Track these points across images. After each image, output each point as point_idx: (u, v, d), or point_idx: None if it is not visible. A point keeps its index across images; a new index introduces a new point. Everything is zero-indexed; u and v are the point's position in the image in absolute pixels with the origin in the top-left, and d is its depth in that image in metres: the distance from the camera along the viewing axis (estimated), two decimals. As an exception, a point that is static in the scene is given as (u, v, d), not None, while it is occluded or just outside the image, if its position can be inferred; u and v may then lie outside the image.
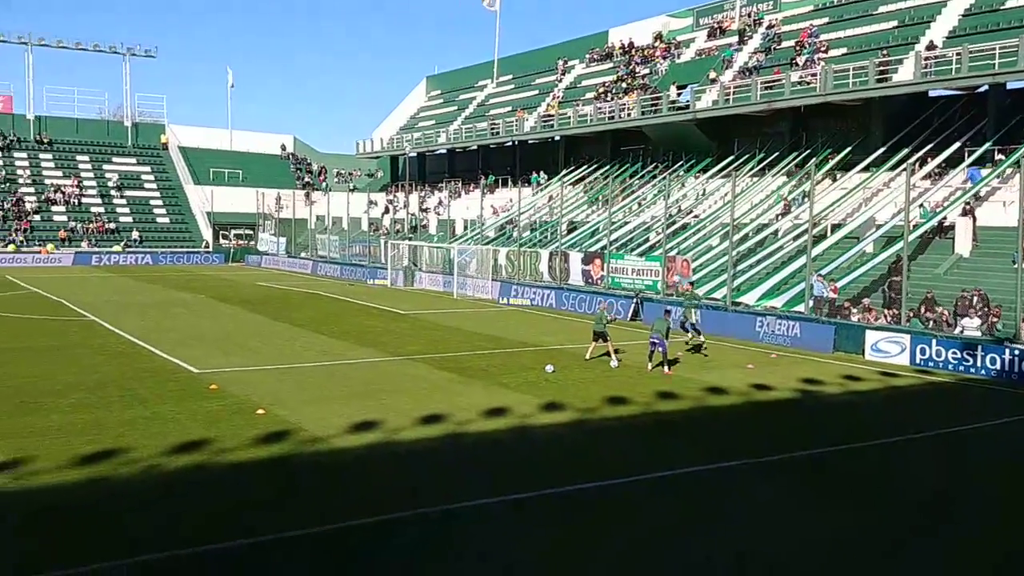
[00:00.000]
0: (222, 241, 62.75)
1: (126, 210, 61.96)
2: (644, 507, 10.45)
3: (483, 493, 10.47)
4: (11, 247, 53.78)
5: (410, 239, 47.22)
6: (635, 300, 28.75)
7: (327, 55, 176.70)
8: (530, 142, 52.64)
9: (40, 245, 54.77)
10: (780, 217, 31.99)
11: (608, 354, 19.63)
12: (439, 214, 53.73)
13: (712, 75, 39.96)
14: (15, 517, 9.32)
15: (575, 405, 15.27)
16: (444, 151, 61.09)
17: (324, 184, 70.01)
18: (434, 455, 12.21)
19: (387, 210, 58.87)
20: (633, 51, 50.49)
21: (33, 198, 59.38)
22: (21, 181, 60.69)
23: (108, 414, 13.69)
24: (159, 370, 17.65)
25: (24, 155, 63.12)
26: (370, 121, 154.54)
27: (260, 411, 14.08)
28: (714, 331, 24.22)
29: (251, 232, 63.36)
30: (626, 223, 37.50)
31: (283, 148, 75.55)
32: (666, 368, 18.72)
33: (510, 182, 52.42)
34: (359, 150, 68.29)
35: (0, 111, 64.28)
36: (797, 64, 36.30)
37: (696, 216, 35.83)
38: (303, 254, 55.51)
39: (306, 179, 71.54)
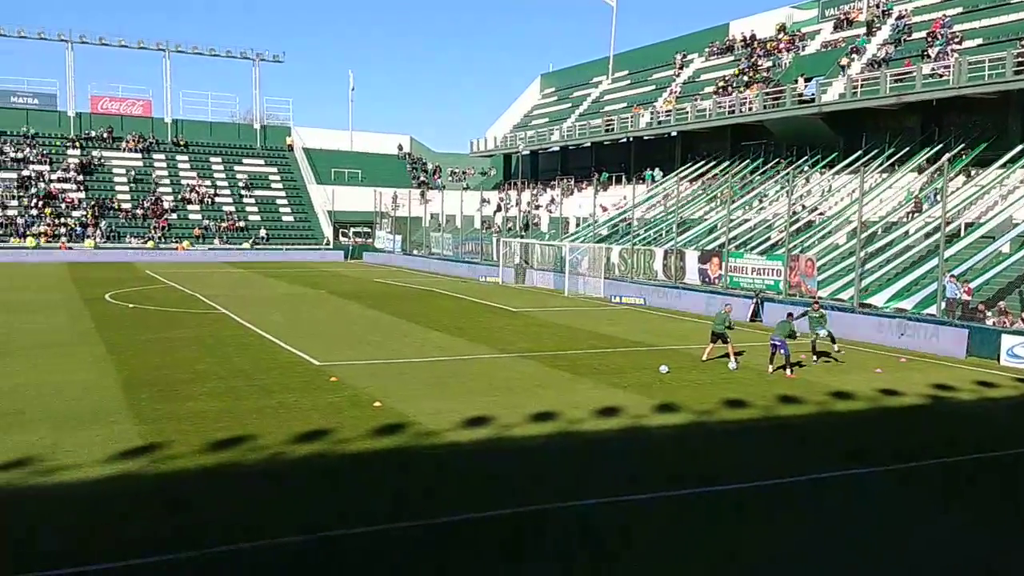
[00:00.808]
0: (342, 238, 64.85)
1: (254, 209, 64.92)
2: (762, 514, 10.10)
3: (593, 493, 10.37)
4: (150, 244, 57.29)
5: (522, 237, 47.47)
6: (755, 300, 27.92)
7: (444, 57, 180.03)
8: (645, 138, 52.01)
9: (176, 242, 58.11)
10: (911, 215, 30.40)
11: (727, 356, 19.12)
12: (551, 212, 53.81)
13: (844, 61, 38.39)
14: (155, 499, 9.87)
15: (691, 407, 14.94)
16: (557, 149, 61.15)
17: (438, 183, 71.33)
18: (545, 452, 12.19)
19: (499, 208, 59.41)
20: (755, 44, 49.12)
21: (170, 198, 63.01)
22: (159, 182, 64.51)
23: (238, 402, 14.33)
24: (284, 362, 18.36)
25: (162, 157, 67.05)
26: (484, 120, 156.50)
27: (377, 404, 14.43)
28: (840, 334, 23.15)
29: (369, 230, 65.19)
30: (746, 220, 36.49)
31: (400, 148, 77.41)
32: (788, 371, 18.08)
33: (624, 179, 51.94)
34: (473, 149, 69.21)
35: (140, 115, 68.50)
36: (929, 56, 34.40)
37: (821, 214, 34.51)
38: (416, 251, 56.67)
39: (421, 178, 73.05)
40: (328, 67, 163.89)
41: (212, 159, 68.45)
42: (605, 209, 47.02)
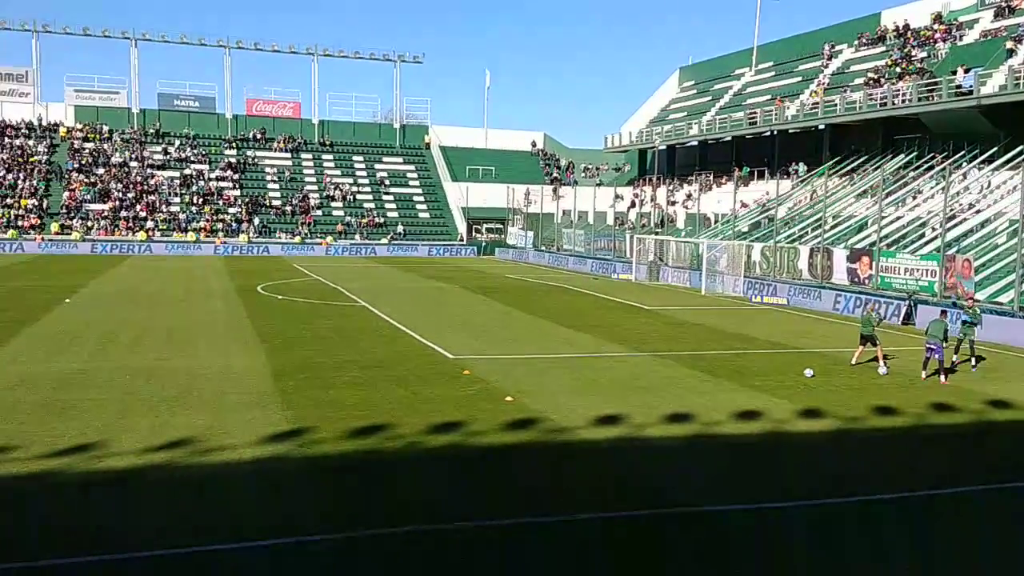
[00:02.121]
0: (475, 235, 65.89)
1: (392, 206, 66.96)
2: (908, 528, 9.44)
3: (731, 498, 10.03)
4: (297, 239, 60.13)
5: (657, 233, 46.68)
6: (908, 302, 26.32)
7: (579, 53, 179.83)
8: (790, 132, 50.09)
9: (321, 237, 60.73)
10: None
11: (876, 360, 18.07)
12: (688, 208, 52.65)
13: (1009, 44, 35.62)
14: (302, 479, 10.28)
15: (837, 413, 14.19)
16: (695, 143, 59.81)
17: (571, 179, 71.25)
18: (681, 454, 11.89)
19: (633, 204, 58.69)
20: (908, 34, 46.46)
21: (316, 195, 65.91)
22: (307, 180, 67.60)
23: (376, 392, 14.75)
24: (419, 354, 18.77)
25: (309, 156, 70.22)
26: (619, 116, 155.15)
27: (508, 398, 14.49)
28: (1000, 339, 21.58)
29: (501, 226, 65.92)
30: (898, 218, 34.45)
31: (533, 145, 77.84)
32: (942, 378, 16.90)
33: (767, 174, 50.20)
34: (607, 144, 68.70)
35: (290, 116, 71.98)
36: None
37: (979, 211, 32.13)
38: (548, 248, 56.79)
39: (554, 174, 73.19)
40: (465, 66, 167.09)
41: (355, 158, 71.08)
42: (746, 205, 45.56)
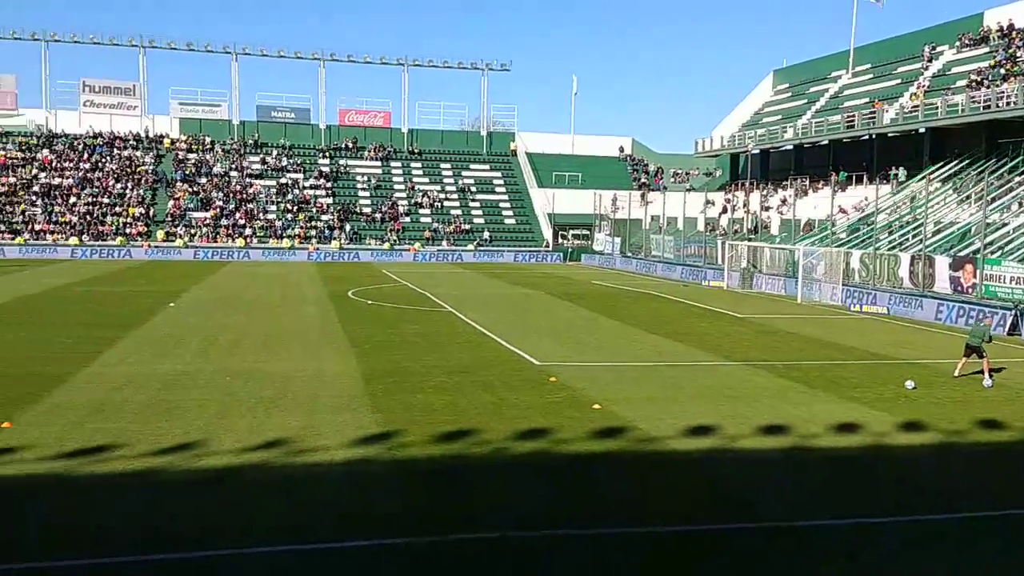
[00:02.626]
0: (561, 241, 65.78)
1: (479, 212, 67.55)
2: (1018, 547, 8.91)
3: (825, 513, 9.69)
4: (386, 245, 61.30)
5: (750, 240, 45.63)
6: (1014, 312, 24.98)
7: (669, 57, 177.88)
8: (889, 135, 48.30)
9: (409, 244, 61.75)
10: None
11: (981, 372, 17.18)
12: (782, 214, 51.30)
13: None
14: (391, 482, 10.43)
15: (939, 427, 13.54)
16: (790, 147, 58.31)
17: (660, 184, 70.43)
18: (774, 467, 11.54)
19: (725, 210, 57.56)
20: (1014, 34, 44.25)
21: (405, 202, 67.08)
22: (395, 187, 68.90)
23: (463, 397, 14.85)
24: (505, 360, 18.82)
25: (399, 164, 71.55)
26: (709, 120, 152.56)
27: (596, 406, 14.36)
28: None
29: (588, 232, 65.62)
30: (1004, 224, 32.75)
31: (621, 150, 77.30)
32: (1058, 393, 15.93)
33: (865, 179, 48.52)
34: (698, 149, 67.64)
35: (381, 126, 73.51)
36: None
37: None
38: (635, 254, 56.19)
39: (642, 180, 72.48)
40: (552, 72, 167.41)
41: (442, 165, 72.03)
42: (843, 211, 44.11)
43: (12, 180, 61.29)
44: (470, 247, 62.48)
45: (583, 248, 63.88)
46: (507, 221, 67.49)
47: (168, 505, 9.44)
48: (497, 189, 70.74)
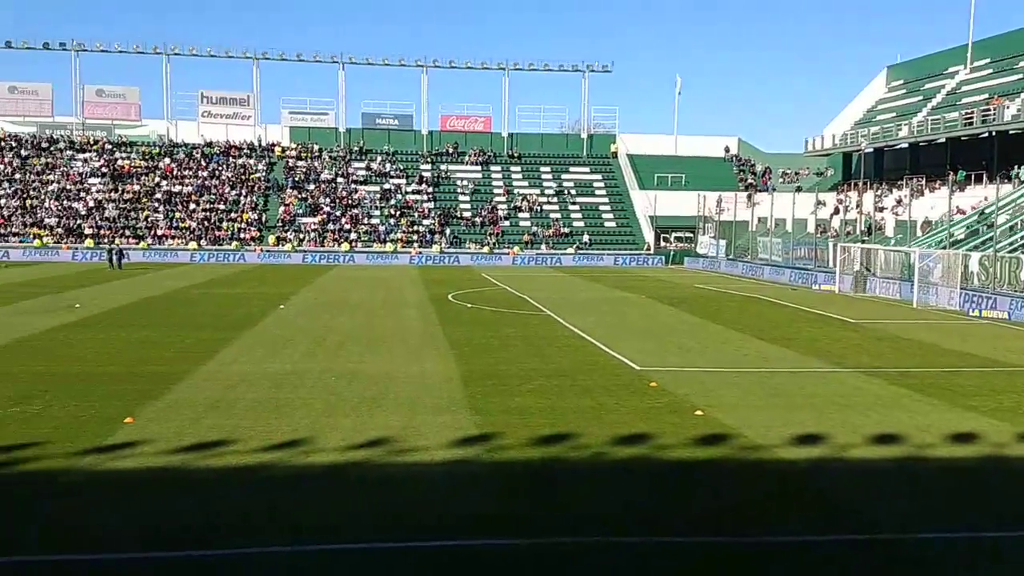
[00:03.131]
0: (662, 244, 64.87)
1: (578, 215, 67.36)
2: None
3: (940, 525, 9.21)
4: (486, 249, 61.88)
5: (863, 242, 43.86)
6: None
7: (776, 54, 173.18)
8: (1011, 132, 45.59)
9: (508, 248, 62.15)
10: None
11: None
12: (897, 215, 49.15)
13: None
14: (490, 483, 10.49)
15: (1072, 441, 12.64)
16: (905, 146, 55.88)
17: (768, 185, 68.58)
18: (886, 477, 11.03)
19: (837, 210, 55.51)
20: None
21: (504, 207, 67.58)
22: (495, 192, 69.50)
23: (561, 401, 14.81)
24: (604, 364, 18.67)
25: (498, 168, 72.15)
26: (820, 118, 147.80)
27: (698, 412, 14.07)
28: None
29: (691, 235, 64.51)
30: None
31: (727, 150, 75.68)
32: None
33: (984, 178, 45.95)
34: (807, 148, 65.60)
35: (481, 130, 74.34)
36: None
37: None
38: (741, 257, 54.88)
39: (749, 180, 70.75)
40: (654, 72, 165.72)
41: (542, 168, 72.21)
42: (962, 211, 41.88)
43: (136, 188, 64.97)
44: (569, 251, 62.38)
45: (686, 251, 62.82)
46: (607, 224, 67.06)
47: (277, 500, 9.76)
48: (597, 192, 70.39)
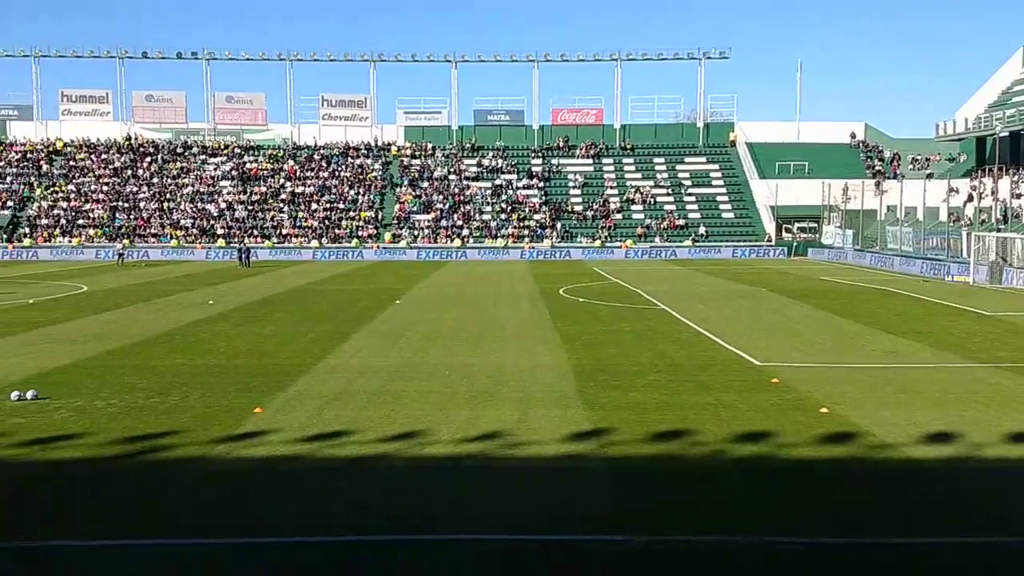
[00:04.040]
0: (784, 235, 62.80)
1: (694, 207, 66.01)
2: None
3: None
4: (597, 243, 61.50)
5: (998, 230, 41.18)
6: None
7: (904, 34, 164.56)
8: None
9: (620, 241, 61.57)
10: None
11: None
12: (1037, 201, 45.90)
13: None
14: (603, 479, 10.40)
15: None
16: (1046, 127, 52.01)
17: (897, 172, 65.31)
18: (1029, 481, 10.30)
19: (971, 198, 52.32)
20: None
21: (616, 199, 66.99)
22: (607, 184, 68.97)
23: (677, 397, 14.53)
24: (722, 359, 18.21)
25: (610, 161, 71.57)
26: (952, 101, 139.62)
27: (823, 410, 13.53)
28: None
29: (815, 225, 62.18)
30: None
31: (852, 136, 72.55)
32: None
33: None
34: (938, 133, 62.15)
35: (593, 123, 73.91)
36: None
37: None
38: (869, 247, 52.48)
39: (876, 167, 67.58)
40: (773, 57, 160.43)
41: (655, 160, 71.15)
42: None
43: (263, 189, 68.01)
44: (685, 243, 61.24)
45: (810, 242, 60.61)
46: (725, 215, 65.46)
47: (395, 490, 9.99)
48: (714, 182, 68.80)
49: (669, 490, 10.02)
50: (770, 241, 61.66)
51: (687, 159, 70.95)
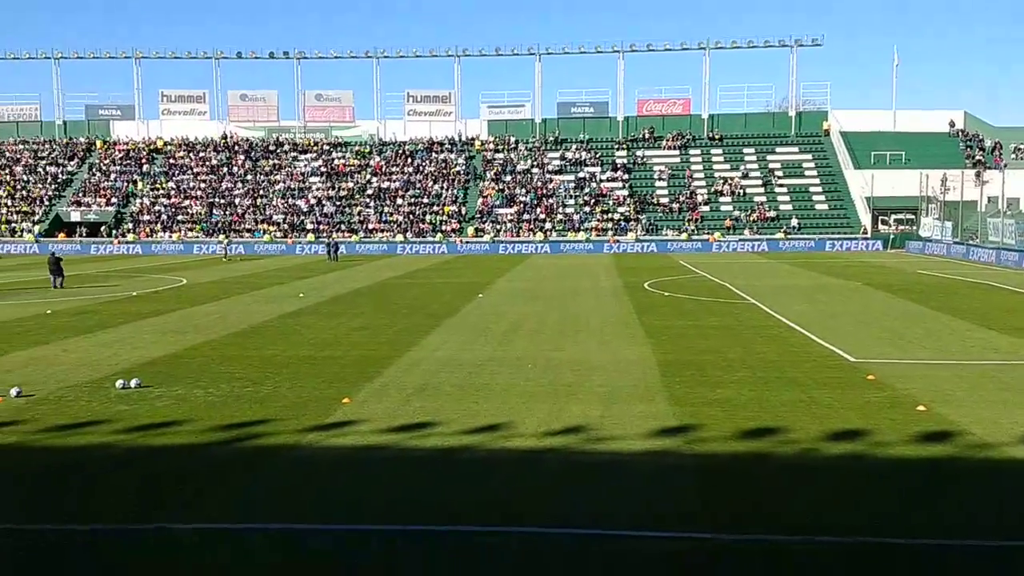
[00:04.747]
0: (881, 227, 60.61)
1: (786, 198, 64.32)
2: None
3: None
4: (684, 235, 60.56)
5: (1116, 221, 38.73)
6: None
7: (1005, 16, 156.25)
8: None
9: (708, 233, 60.47)
10: None
11: None
12: None
13: None
14: (690, 476, 10.23)
15: None
16: None
17: (999, 162, 62.16)
18: None
19: (1083, 187, 49.37)
20: None
21: (704, 191, 65.79)
22: (694, 176, 67.80)
23: (768, 393, 14.17)
24: (814, 355, 17.68)
25: (697, 152, 70.34)
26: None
27: (920, 407, 12.98)
28: None
29: (912, 217, 59.77)
30: None
31: (951, 125, 69.45)
32: None
33: None
34: (1045, 119, 58.73)
35: (680, 113, 72.74)
36: None
37: None
38: (971, 240, 50.15)
39: (977, 157, 64.48)
40: (868, 44, 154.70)
41: (745, 150, 69.61)
42: None
43: (350, 185, 69.51)
44: (777, 235, 59.74)
45: (907, 234, 58.35)
46: (818, 207, 63.59)
47: (479, 481, 10.05)
48: (807, 172, 66.90)
49: (758, 489, 9.78)
50: (866, 233, 59.59)
51: (778, 149, 69.16)
